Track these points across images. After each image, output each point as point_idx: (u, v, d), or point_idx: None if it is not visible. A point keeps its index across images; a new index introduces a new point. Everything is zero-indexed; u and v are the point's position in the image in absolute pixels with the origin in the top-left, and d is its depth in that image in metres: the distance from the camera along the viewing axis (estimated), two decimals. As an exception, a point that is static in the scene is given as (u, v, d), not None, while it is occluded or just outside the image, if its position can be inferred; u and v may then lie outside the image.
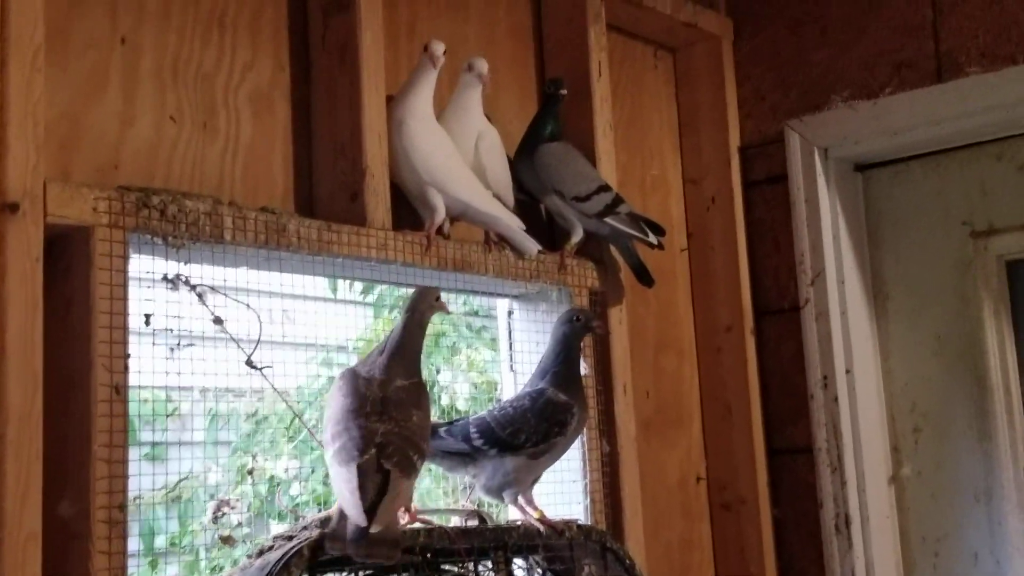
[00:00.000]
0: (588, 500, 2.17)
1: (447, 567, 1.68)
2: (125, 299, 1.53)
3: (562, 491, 2.15)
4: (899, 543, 2.47)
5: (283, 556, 1.47)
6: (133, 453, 1.60)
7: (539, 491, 1.95)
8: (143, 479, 1.61)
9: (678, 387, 2.55)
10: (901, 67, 2.46)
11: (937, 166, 2.51)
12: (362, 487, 1.49)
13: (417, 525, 1.68)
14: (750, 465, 2.50)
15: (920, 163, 2.54)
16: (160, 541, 2.83)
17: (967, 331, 2.44)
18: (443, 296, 1.75)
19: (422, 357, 1.70)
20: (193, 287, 1.61)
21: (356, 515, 1.48)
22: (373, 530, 1.46)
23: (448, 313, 1.77)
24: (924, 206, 2.52)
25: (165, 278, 1.61)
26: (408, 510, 1.66)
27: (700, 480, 2.54)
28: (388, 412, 1.59)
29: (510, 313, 2.30)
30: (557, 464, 1.99)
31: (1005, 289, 2.43)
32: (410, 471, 1.55)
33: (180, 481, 2.62)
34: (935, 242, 2.49)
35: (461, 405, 2.74)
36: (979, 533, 2.40)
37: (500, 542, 1.74)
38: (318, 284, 2.93)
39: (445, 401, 2.65)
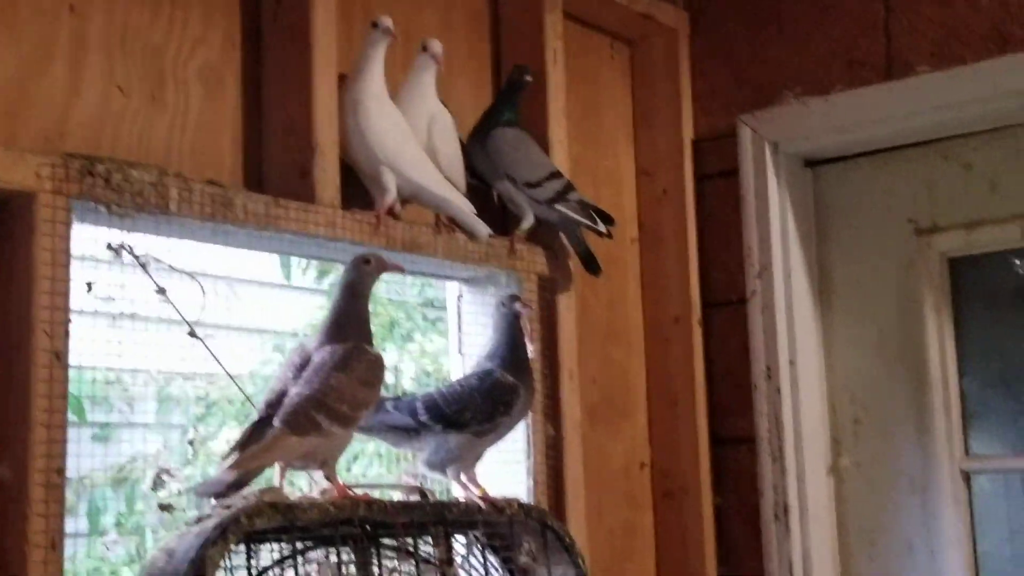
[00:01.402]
0: (531, 482, 2.19)
1: (386, 541, 1.69)
2: (67, 265, 1.52)
3: (506, 472, 2.17)
4: (836, 533, 2.51)
5: (220, 523, 1.47)
6: (82, 433, 1.60)
7: (483, 470, 1.97)
8: (90, 459, 1.62)
9: (625, 375, 2.58)
10: (853, 65, 2.49)
11: (885, 164, 2.55)
12: (243, 441, 1.55)
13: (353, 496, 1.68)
14: (694, 454, 2.53)
15: (869, 160, 2.57)
16: (106, 520, 2.83)
17: (909, 326, 2.48)
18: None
19: (366, 323, 1.71)
20: (136, 256, 1.61)
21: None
22: (226, 475, 1.50)
23: (400, 271, 1.79)
24: (871, 203, 2.55)
25: (109, 246, 1.61)
26: (332, 480, 1.66)
27: (644, 467, 2.57)
28: (305, 375, 1.62)
29: (459, 297, 2.31)
30: (502, 444, 2.02)
31: (947, 286, 2.47)
32: (304, 429, 1.57)
33: (128, 464, 2.62)
34: (881, 238, 2.53)
35: (408, 385, 2.76)
36: (914, 524, 2.44)
37: (440, 517, 1.75)
38: (272, 270, 2.94)
39: (391, 380, 2.67)
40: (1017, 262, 2.47)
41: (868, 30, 2.47)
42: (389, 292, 3.12)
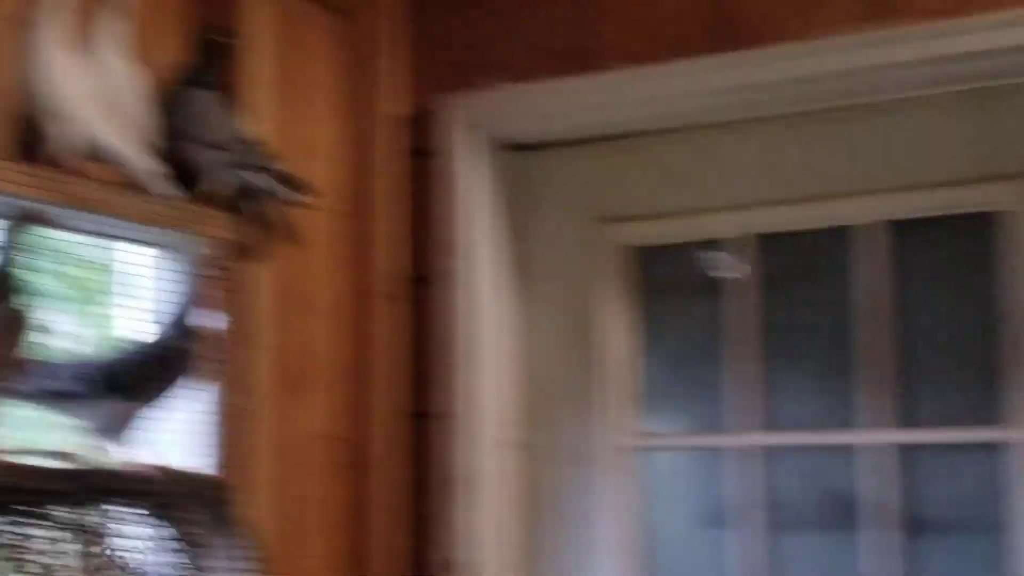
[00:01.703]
0: (213, 453, 2.15)
1: (35, 509, 1.61)
2: None
3: (189, 442, 2.12)
4: (515, 504, 2.61)
5: None
6: None
7: (165, 440, 1.92)
8: None
9: (318, 348, 2.56)
10: (555, 54, 2.56)
11: (579, 154, 2.66)
12: None
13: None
14: (386, 427, 2.55)
15: (566, 150, 2.67)
16: None
17: (592, 311, 2.61)
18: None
19: (10, 279, 1.63)
20: None
21: None
22: None
23: (49, 225, 1.71)
24: (564, 191, 2.66)
25: None
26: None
27: (335, 440, 2.57)
28: None
29: (144, 263, 2.24)
30: (184, 415, 1.97)
31: (629, 274, 2.61)
32: None
33: None
34: (571, 225, 2.65)
35: (88, 351, 2.65)
36: (589, 498, 2.57)
37: (98, 486, 1.69)
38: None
39: (69, 345, 2.55)
40: (695, 254, 2.63)
41: (571, 21, 2.55)
42: (75, 253, 2.98)
